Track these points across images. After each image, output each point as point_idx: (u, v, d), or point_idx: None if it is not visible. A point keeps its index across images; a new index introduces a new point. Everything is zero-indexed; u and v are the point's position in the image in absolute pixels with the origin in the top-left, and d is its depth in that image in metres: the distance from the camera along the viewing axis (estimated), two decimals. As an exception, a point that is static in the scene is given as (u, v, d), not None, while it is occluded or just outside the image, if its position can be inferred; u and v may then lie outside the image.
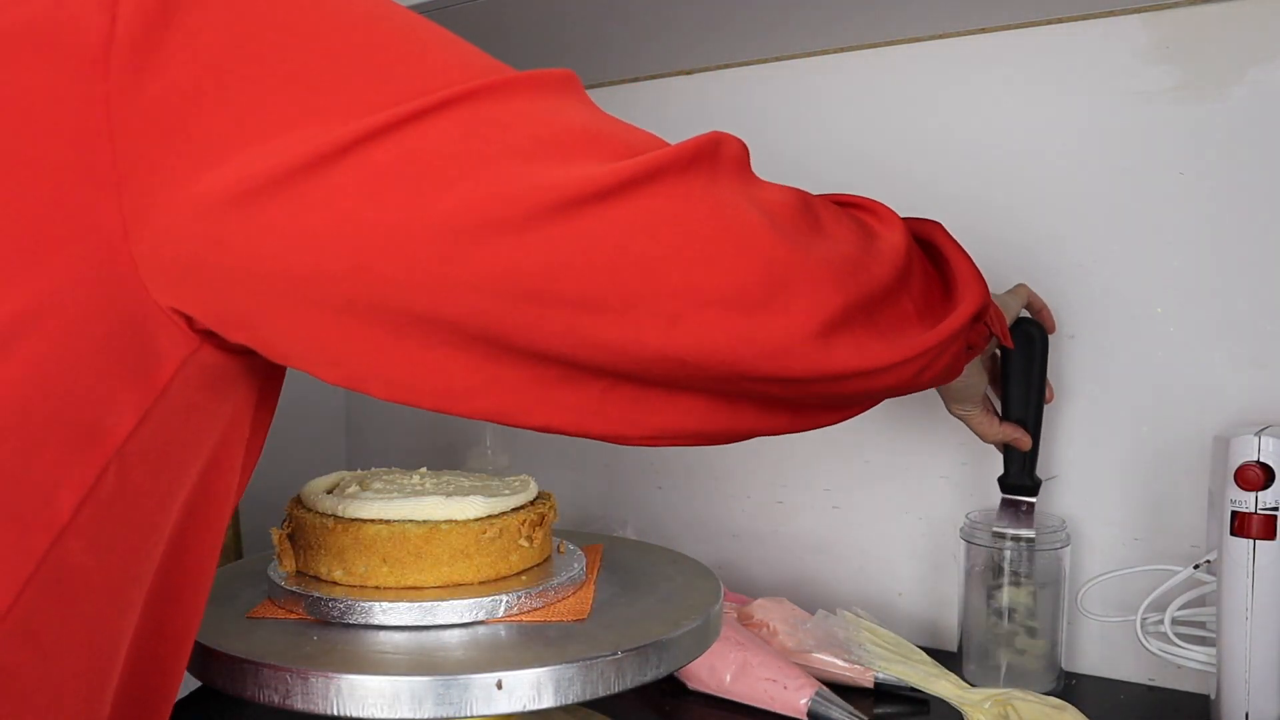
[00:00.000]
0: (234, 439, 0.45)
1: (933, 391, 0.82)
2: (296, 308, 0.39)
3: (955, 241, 0.59)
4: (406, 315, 0.39)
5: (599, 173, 0.38)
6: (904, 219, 0.56)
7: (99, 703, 0.42)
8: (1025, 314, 0.81)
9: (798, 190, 0.47)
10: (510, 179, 0.37)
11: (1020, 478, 0.81)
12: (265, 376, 0.46)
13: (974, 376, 0.74)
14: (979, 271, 0.57)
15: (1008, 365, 0.79)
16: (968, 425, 0.78)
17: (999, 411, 0.80)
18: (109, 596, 0.41)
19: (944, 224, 0.60)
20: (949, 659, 0.84)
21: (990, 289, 0.72)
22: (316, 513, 0.63)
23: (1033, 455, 0.81)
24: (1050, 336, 0.80)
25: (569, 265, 0.38)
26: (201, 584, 0.47)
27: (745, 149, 0.46)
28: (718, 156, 0.43)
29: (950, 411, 0.77)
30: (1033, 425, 0.79)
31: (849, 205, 0.54)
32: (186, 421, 0.41)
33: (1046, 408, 0.82)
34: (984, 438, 0.79)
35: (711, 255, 0.40)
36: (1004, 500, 0.82)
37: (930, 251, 0.59)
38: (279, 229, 0.36)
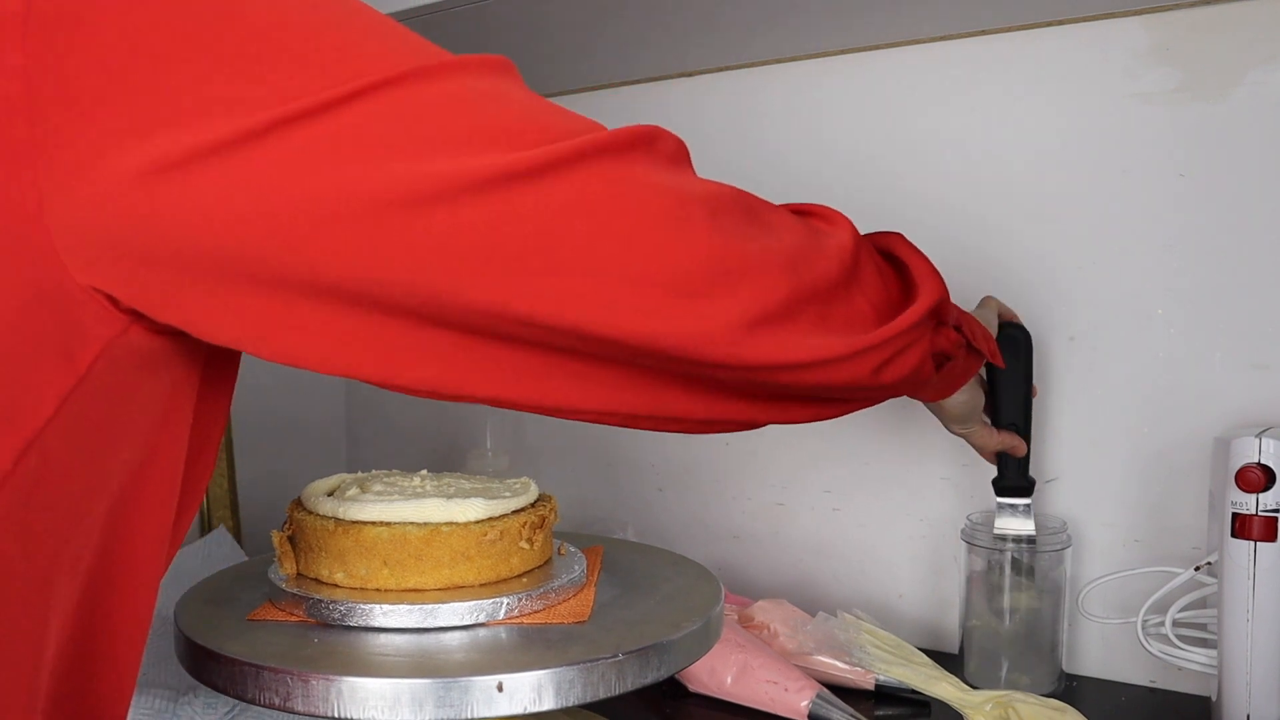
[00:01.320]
0: (173, 426, 0.44)
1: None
2: (223, 284, 0.38)
3: (913, 246, 0.59)
4: (337, 291, 0.38)
5: (530, 153, 0.38)
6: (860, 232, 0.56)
7: (32, 694, 0.41)
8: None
9: (737, 188, 0.47)
10: (443, 158, 0.37)
11: (1016, 479, 0.82)
12: (208, 362, 0.45)
13: (975, 397, 0.74)
14: (936, 270, 0.57)
15: (995, 372, 0.79)
16: (969, 442, 0.78)
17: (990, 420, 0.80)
18: (35, 585, 0.40)
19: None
20: (950, 661, 0.83)
21: (969, 304, 0.71)
22: (317, 515, 0.63)
23: (1026, 456, 0.81)
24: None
25: (502, 243, 0.38)
26: (148, 577, 0.46)
27: (684, 146, 0.45)
28: (654, 145, 0.43)
29: (951, 431, 0.77)
30: (1024, 428, 0.80)
31: (798, 212, 0.54)
32: (115, 405, 0.40)
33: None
34: (984, 450, 0.79)
35: (650, 239, 0.40)
36: (1000, 504, 0.82)
37: (892, 262, 0.59)
38: (203, 205, 0.36)
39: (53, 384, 0.38)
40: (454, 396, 0.44)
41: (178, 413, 0.44)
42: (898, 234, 0.60)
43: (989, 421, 0.79)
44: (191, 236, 0.36)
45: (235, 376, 0.49)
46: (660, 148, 0.43)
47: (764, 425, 0.54)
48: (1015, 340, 0.78)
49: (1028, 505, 0.82)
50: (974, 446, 0.79)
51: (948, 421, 0.76)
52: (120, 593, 0.45)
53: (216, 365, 0.46)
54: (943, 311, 0.57)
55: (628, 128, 0.41)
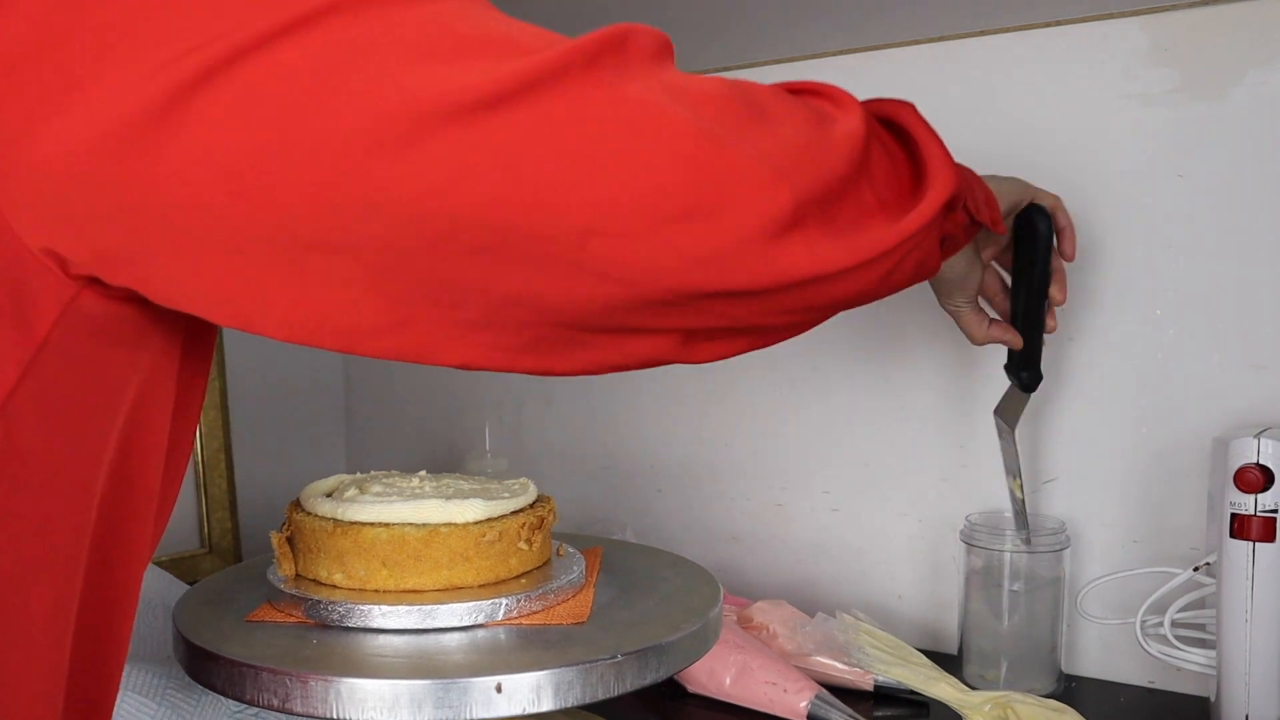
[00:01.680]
0: (157, 398, 0.43)
1: (933, 397, 0.82)
2: (176, 242, 0.36)
3: (926, 123, 0.54)
4: (294, 244, 0.36)
5: (488, 78, 0.35)
6: (867, 101, 0.52)
7: (55, 686, 0.41)
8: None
9: (732, 80, 0.42)
10: (392, 89, 0.34)
11: (1015, 371, 0.77)
12: (187, 333, 0.44)
13: (969, 269, 0.69)
14: (950, 156, 0.52)
15: (1017, 257, 0.73)
16: (957, 323, 0.74)
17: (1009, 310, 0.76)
18: (24, 567, 0.39)
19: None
20: (948, 662, 0.83)
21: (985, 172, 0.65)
22: (316, 516, 0.63)
23: (1029, 351, 0.76)
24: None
25: (461, 181, 0.35)
26: (138, 554, 0.45)
27: (665, 41, 0.41)
28: (626, 48, 0.38)
29: (942, 306, 0.73)
30: (1025, 322, 0.74)
31: (801, 92, 0.49)
32: (83, 375, 0.39)
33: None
34: (972, 339, 0.75)
35: (623, 159, 0.36)
36: (1009, 388, 0.78)
37: (900, 136, 0.53)
38: (152, 161, 0.34)
39: (11, 353, 0.37)
40: (428, 362, 0.41)
41: (159, 385, 0.43)
42: (908, 104, 0.55)
43: (987, 310, 0.75)
44: (143, 197, 0.35)
45: (212, 352, 0.48)
46: (634, 49, 0.38)
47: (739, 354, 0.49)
48: (1032, 225, 0.71)
49: (1025, 398, 0.78)
50: (962, 330, 0.74)
51: (939, 294, 0.72)
52: (114, 572, 0.45)
53: (194, 333, 0.45)
54: (955, 200, 0.52)
55: (593, 35, 0.37)
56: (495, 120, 0.35)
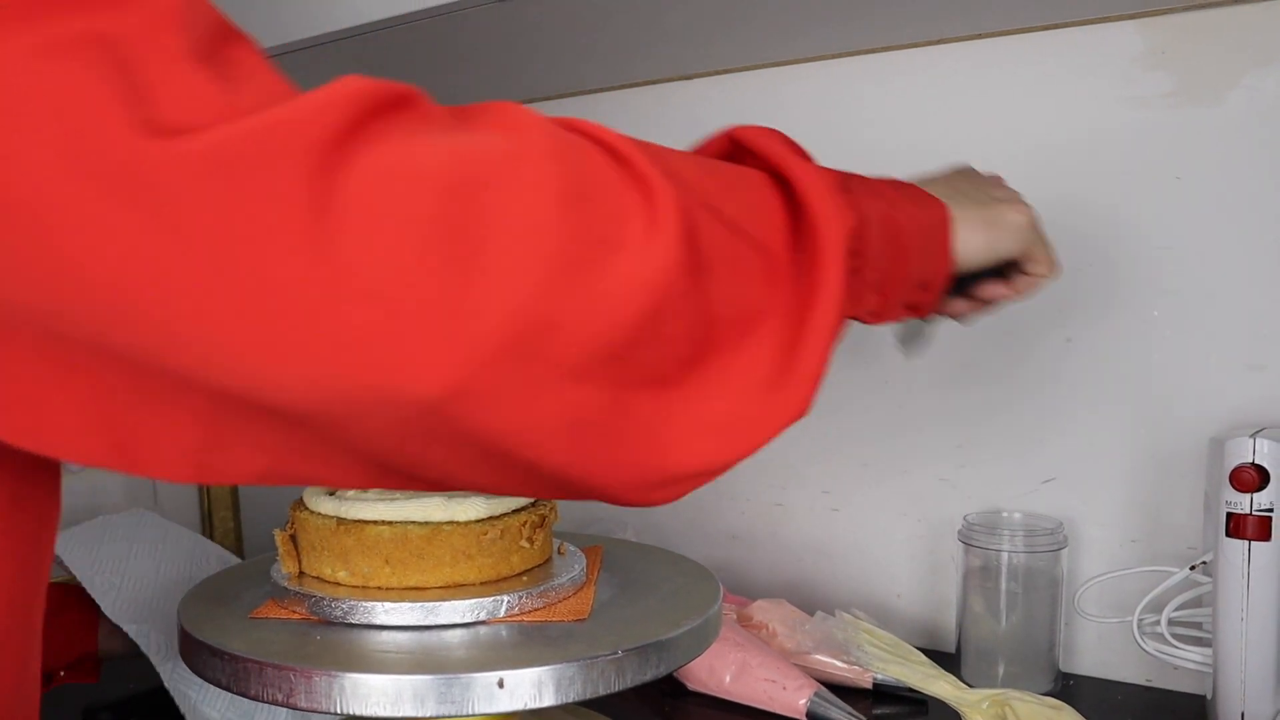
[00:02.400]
0: None
1: (932, 397, 0.82)
2: None
3: (832, 205, 0.40)
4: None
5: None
6: (790, 159, 0.41)
7: None
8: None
9: (470, 166, 0.31)
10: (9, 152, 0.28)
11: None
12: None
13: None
14: (843, 266, 0.39)
15: None
16: None
17: None
18: None
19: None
20: (947, 660, 0.84)
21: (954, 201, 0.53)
22: (319, 514, 0.63)
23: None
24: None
25: (83, 293, 0.29)
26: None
27: (381, 102, 0.31)
28: (313, 127, 0.29)
29: None
30: None
31: (613, 156, 0.35)
32: None
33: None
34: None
35: (229, 286, 0.29)
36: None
37: (788, 192, 0.41)
38: None
39: None
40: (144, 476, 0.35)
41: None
42: (823, 179, 0.41)
43: None
44: None
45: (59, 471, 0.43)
46: (321, 126, 0.29)
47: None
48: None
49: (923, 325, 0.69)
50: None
51: None
52: None
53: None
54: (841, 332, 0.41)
55: (276, 114, 0.29)
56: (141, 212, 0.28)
